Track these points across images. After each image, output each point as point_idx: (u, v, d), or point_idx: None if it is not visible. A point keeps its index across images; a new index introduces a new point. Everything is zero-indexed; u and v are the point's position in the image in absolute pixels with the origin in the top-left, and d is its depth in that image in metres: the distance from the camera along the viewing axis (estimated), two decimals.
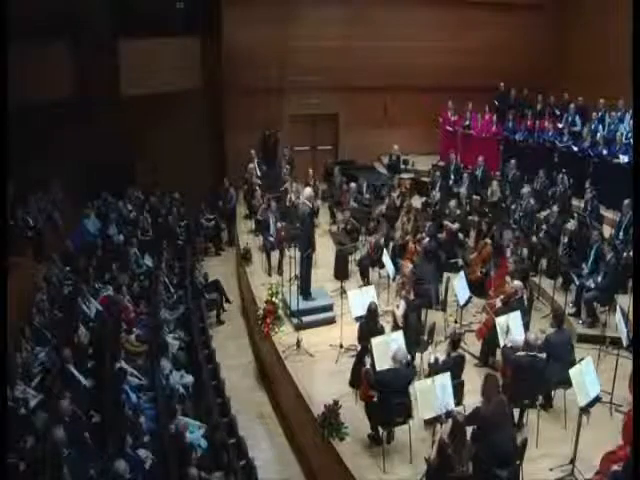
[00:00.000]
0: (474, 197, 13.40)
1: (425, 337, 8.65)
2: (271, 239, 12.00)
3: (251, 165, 14.52)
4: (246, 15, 14.95)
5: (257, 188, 13.86)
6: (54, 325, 9.65)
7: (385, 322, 9.18)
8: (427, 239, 10.90)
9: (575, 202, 12.63)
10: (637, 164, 8.53)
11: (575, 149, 13.81)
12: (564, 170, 13.07)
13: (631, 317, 9.13)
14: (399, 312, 8.55)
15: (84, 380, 8.41)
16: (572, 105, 14.70)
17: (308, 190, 10.25)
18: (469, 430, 6.23)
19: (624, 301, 9.37)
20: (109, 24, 14.04)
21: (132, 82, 14.18)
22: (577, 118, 14.48)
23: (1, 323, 6.57)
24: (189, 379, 8.81)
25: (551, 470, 6.74)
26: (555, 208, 11.55)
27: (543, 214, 11.77)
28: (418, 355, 8.38)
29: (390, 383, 6.92)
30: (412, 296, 8.79)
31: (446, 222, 12.01)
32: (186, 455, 7.06)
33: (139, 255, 12.33)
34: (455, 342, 7.60)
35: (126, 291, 10.78)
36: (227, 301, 12.01)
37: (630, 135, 13.42)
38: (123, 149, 14.79)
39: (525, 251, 10.74)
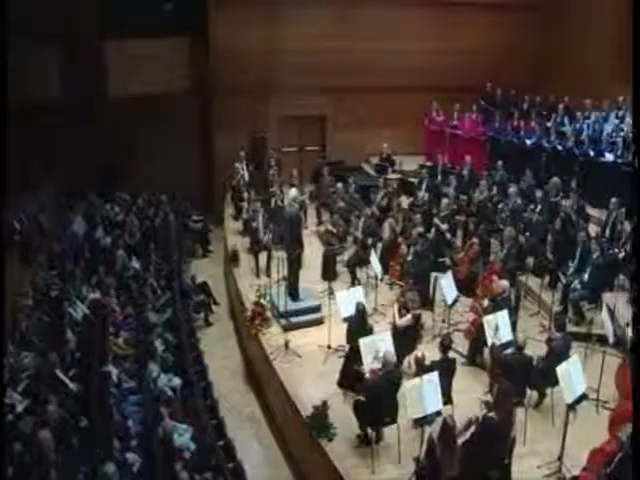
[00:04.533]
0: (461, 197, 13.43)
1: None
2: (259, 240, 11.97)
3: (238, 166, 14.48)
4: (234, 16, 14.91)
5: (244, 189, 13.82)
6: (41, 329, 9.58)
7: (374, 322, 9.23)
8: (419, 239, 10.95)
9: (561, 201, 12.70)
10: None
11: (560, 148, 13.91)
12: (551, 171, 13.13)
13: (617, 315, 9.25)
14: (401, 322, 8.57)
15: (71, 384, 8.35)
16: (561, 105, 14.80)
17: (293, 191, 10.27)
18: (466, 434, 6.25)
19: (610, 299, 9.46)
20: (96, 25, 13.96)
21: (120, 83, 14.12)
22: (565, 119, 14.58)
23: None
24: (177, 382, 8.77)
25: (539, 468, 6.80)
26: (541, 207, 11.63)
27: (529, 213, 11.81)
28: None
29: (382, 386, 6.94)
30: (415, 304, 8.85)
31: (436, 221, 12.04)
32: (174, 458, 7.04)
33: (126, 258, 12.25)
34: (445, 346, 7.63)
35: (113, 294, 10.73)
36: (215, 303, 11.98)
37: (615, 134, 13.56)
38: (110, 151, 14.71)
39: (512, 250, 10.78)
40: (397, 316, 8.83)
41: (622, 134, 13.43)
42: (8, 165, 8.09)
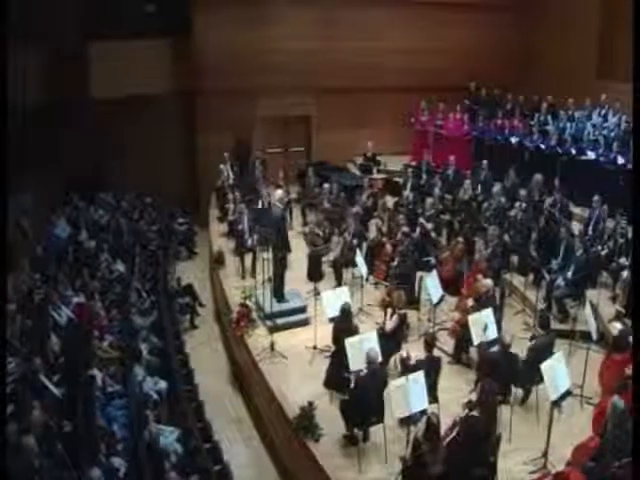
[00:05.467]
0: (446, 196, 13.48)
1: None
2: (244, 242, 11.94)
3: (223, 167, 14.44)
4: (218, 17, 14.88)
5: (229, 191, 13.79)
6: (24, 334, 9.48)
7: (359, 322, 9.24)
8: (404, 239, 10.98)
9: (545, 199, 12.79)
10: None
11: (543, 147, 14.02)
12: (534, 170, 13.21)
13: (600, 312, 9.34)
14: (389, 326, 8.58)
15: (55, 389, 8.28)
16: (544, 104, 14.92)
17: (279, 192, 10.27)
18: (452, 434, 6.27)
19: (593, 296, 9.54)
20: (81, 26, 13.87)
21: (103, 85, 14.03)
22: (549, 117, 14.70)
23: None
24: (163, 385, 8.71)
25: (524, 464, 6.82)
26: (524, 205, 11.70)
27: (513, 212, 11.88)
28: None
29: (368, 387, 6.95)
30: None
31: (422, 221, 12.07)
32: (161, 462, 7.00)
33: (111, 261, 12.17)
34: (429, 345, 7.65)
35: (98, 298, 10.65)
36: (200, 305, 11.94)
37: (597, 132, 13.68)
38: (94, 153, 14.61)
39: (497, 249, 10.84)
40: (386, 319, 8.85)
41: (604, 132, 13.58)
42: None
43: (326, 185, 13.60)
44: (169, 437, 7.63)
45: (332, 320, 8.51)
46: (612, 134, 13.44)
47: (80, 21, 13.92)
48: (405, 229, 11.22)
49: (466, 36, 16.52)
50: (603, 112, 14.11)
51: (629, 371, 7.18)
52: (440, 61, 16.23)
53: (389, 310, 9.11)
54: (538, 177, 12.63)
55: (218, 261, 12.02)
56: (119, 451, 7.45)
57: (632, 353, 6.09)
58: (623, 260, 10.09)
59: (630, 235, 9.82)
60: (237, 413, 9.17)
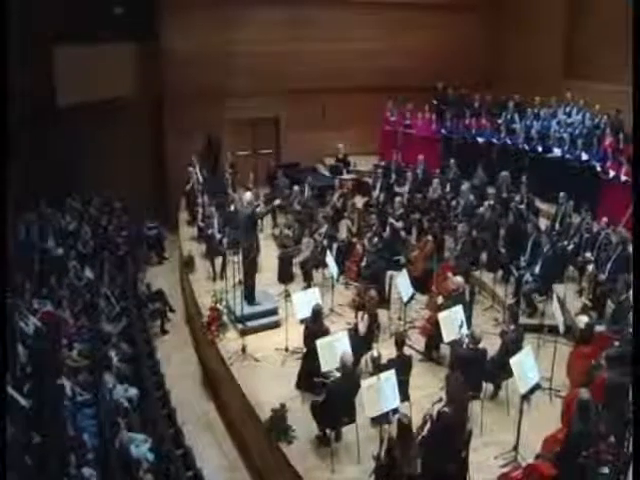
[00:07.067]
0: (415, 195, 13.57)
1: None
2: (214, 245, 11.87)
3: (192, 170, 14.33)
4: (185, 20, 14.80)
5: (199, 194, 13.68)
6: None
7: (330, 322, 9.25)
8: (374, 239, 11.01)
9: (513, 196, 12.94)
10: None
11: (510, 145, 14.20)
12: (502, 168, 13.37)
13: (567, 305, 9.48)
14: (362, 328, 8.57)
15: (23, 400, 8.12)
16: (511, 103, 15.12)
17: (249, 195, 10.22)
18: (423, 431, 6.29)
19: (560, 290, 9.68)
20: (47, 30, 13.64)
21: (69, 89, 13.79)
22: (516, 116, 14.89)
23: None
24: (134, 392, 8.61)
25: (495, 458, 6.90)
26: (492, 203, 11.84)
27: (482, 210, 12.00)
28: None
29: (339, 388, 6.96)
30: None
31: (391, 220, 12.13)
32: (132, 470, 6.91)
33: (79, 268, 11.99)
34: (399, 343, 7.68)
35: (66, 305, 10.48)
36: (171, 310, 11.81)
37: (562, 130, 13.90)
38: (60, 159, 14.37)
39: (466, 246, 10.93)
40: (357, 320, 8.85)
41: (569, 130, 13.81)
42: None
43: (296, 187, 13.59)
44: (141, 445, 7.54)
45: (303, 321, 8.49)
46: (577, 131, 13.68)
47: (47, 25, 13.67)
48: (375, 228, 11.26)
49: (433, 37, 16.67)
50: (568, 110, 14.35)
51: (595, 362, 7.34)
52: (408, 62, 16.35)
53: (360, 312, 9.10)
54: (505, 174, 12.81)
55: (188, 265, 11.93)
56: (90, 461, 7.34)
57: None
58: (589, 254, 10.27)
59: (616, 239, 9.96)
60: (209, 417, 9.09)
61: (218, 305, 9.79)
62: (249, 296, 9.89)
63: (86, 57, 14.01)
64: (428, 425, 6.25)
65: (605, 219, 10.53)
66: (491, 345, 8.11)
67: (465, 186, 12.69)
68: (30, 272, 11.58)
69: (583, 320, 8.20)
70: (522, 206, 12.00)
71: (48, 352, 9.05)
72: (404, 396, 7.22)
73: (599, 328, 8.38)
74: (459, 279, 9.20)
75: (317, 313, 8.27)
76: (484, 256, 11.05)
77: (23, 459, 6.99)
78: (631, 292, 8.14)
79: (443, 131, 15.63)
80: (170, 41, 14.99)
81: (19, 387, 8.26)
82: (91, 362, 9.20)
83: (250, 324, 9.56)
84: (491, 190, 12.82)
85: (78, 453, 7.28)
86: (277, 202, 11.47)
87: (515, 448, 6.88)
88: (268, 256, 11.57)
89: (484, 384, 7.81)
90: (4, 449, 5.81)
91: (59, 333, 9.60)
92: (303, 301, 8.68)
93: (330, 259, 10.33)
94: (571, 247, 10.68)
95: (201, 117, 15.17)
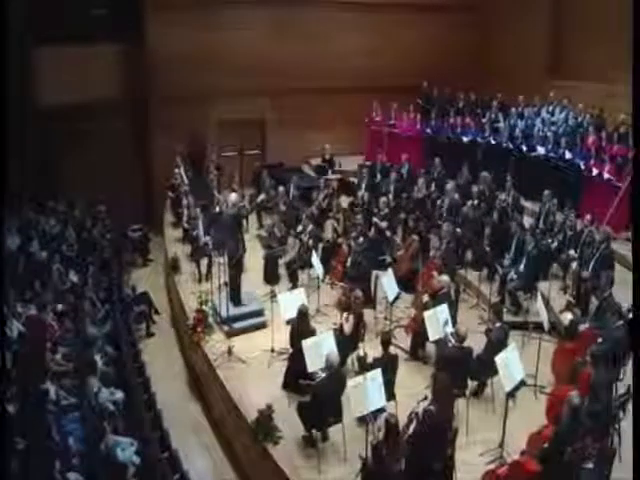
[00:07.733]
0: (401, 195, 13.59)
1: None
2: (199, 247, 11.81)
3: (177, 172, 14.26)
4: (170, 20, 14.69)
5: (184, 196, 13.62)
6: None
7: (316, 323, 9.23)
8: (360, 238, 11.01)
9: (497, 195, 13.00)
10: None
11: (495, 144, 14.27)
12: (486, 167, 13.43)
13: (552, 303, 9.54)
14: (348, 329, 8.56)
15: (7, 406, 8.03)
16: (495, 102, 15.20)
17: (234, 195, 10.20)
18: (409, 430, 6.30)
19: (544, 287, 9.74)
20: (30, 30, 13.52)
21: (52, 91, 13.70)
22: (499, 115, 14.97)
23: None
24: (119, 395, 8.54)
25: (481, 455, 6.92)
26: (476, 202, 11.89)
27: (467, 208, 12.05)
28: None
29: (327, 390, 6.95)
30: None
31: (376, 220, 12.14)
32: (118, 475, 6.86)
33: (63, 271, 11.89)
34: (385, 342, 7.68)
35: (50, 309, 10.39)
36: (156, 312, 11.76)
37: (546, 129, 14.00)
38: (44, 161, 14.25)
39: (451, 245, 10.97)
40: (343, 320, 8.85)
41: (553, 128, 13.90)
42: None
43: (281, 187, 13.56)
44: (127, 449, 7.48)
45: (289, 322, 8.48)
46: (560, 130, 13.78)
47: (30, 26, 13.55)
48: (360, 228, 11.27)
49: (417, 37, 16.73)
50: (551, 109, 14.45)
51: (580, 359, 7.40)
52: (393, 62, 16.39)
53: (345, 312, 9.08)
54: (485, 175, 12.87)
55: (173, 267, 11.88)
56: (75, 465, 7.28)
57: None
58: (572, 252, 10.35)
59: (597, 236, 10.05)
60: (195, 420, 9.06)
61: (204, 307, 9.75)
62: (235, 297, 9.85)
63: (69, 58, 13.92)
64: (414, 424, 6.26)
65: (588, 217, 10.61)
66: (476, 343, 8.13)
67: (450, 185, 12.73)
68: (13, 276, 11.48)
69: (567, 317, 8.27)
70: (507, 205, 12.06)
71: (32, 356, 8.98)
72: (390, 395, 7.24)
73: (583, 325, 8.43)
74: (444, 278, 9.23)
75: (303, 314, 8.28)
76: (469, 255, 11.09)
77: (8, 466, 6.93)
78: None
79: (428, 130, 15.68)
80: (155, 42, 14.89)
81: (3, 392, 8.19)
82: (76, 366, 9.14)
83: (236, 325, 9.53)
84: (476, 189, 12.87)
85: (63, 458, 7.23)
86: (261, 197, 11.42)
87: (501, 445, 6.91)
88: (253, 257, 11.53)
89: (469, 382, 7.84)
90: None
91: (43, 337, 9.52)
92: (289, 302, 8.66)
93: (315, 259, 10.33)
94: (555, 245, 10.76)
95: (186, 118, 15.11)
